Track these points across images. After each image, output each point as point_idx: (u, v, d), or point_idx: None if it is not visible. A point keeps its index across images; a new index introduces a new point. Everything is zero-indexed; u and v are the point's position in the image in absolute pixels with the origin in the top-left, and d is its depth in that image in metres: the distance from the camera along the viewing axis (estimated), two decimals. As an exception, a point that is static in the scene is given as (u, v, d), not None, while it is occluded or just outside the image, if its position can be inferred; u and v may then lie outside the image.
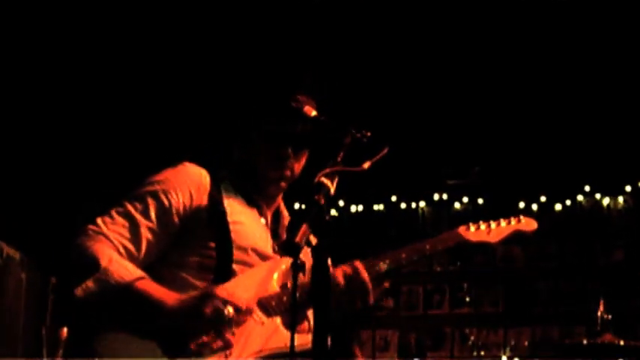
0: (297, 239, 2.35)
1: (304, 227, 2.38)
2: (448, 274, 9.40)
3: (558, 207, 9.25)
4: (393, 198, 9.60)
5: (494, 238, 3.50)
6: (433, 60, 7.77)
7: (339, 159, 2.82)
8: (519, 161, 8.92)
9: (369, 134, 2.98)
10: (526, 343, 9.05)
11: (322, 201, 2.49)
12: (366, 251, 9.51)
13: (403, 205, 9.61)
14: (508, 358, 9.03)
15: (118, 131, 7.98)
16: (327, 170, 2.68)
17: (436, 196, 9.56)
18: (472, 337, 9.26)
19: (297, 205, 3.43)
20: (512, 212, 8.80)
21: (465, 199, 9.50)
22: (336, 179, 2.69)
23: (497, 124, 8.48)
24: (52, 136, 7.90)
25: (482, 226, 3.51)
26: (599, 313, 5.95)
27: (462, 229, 3.49)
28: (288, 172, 3.30)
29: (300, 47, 7.31)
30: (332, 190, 2.59)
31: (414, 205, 9.63)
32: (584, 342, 5.72)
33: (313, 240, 2.41)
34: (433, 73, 7.89)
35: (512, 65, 7.81)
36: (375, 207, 9.66)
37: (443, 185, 9.55)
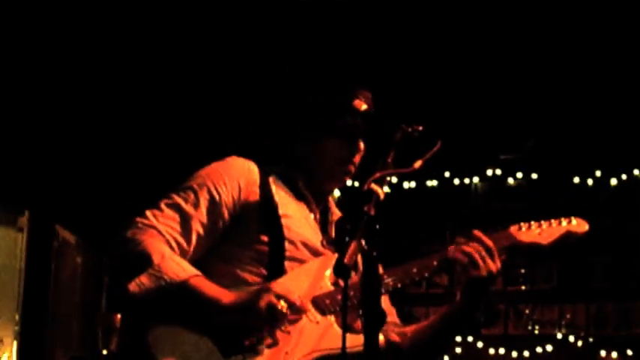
0: (347, 260, 2.31)
1: (354, 245, 2.34)
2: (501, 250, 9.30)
3: (614, 181, 9.12)
4: (447, 174, 9.53)
5: (545, 239, 3.38)
6: (483, 34, 7.69)
7: (389, 160, 2.78)
8: (574, 135, 8.81)
9: (420, 128, 2.94)
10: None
11: (372, 211, 2.44)
12: (419, 228, 9.47)
13: (456, 181, 9.54)
14: (563, 334, 8.97)
15: (171, 119, 8.01)
16: (377, 175, 2.63)
17: (489, 172, 9.48)
18: (526, 313, 9.20)
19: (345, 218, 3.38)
20: (567, 187, 8.85)
21: (519, 174, 9.40)
22: (386, 183, 2.65)
23: (551, 98, 8.38)
24: (106, 119, 7.93)
25: (534, 227, 3.40)
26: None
27: (513, 229, 3.38)
28: (353, 168, 3.28)
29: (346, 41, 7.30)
30: (382, 196, 2.55)
31: (467, 180, 9.55)
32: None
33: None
34: (485, 47, 7.81)
35: (566, 38, 7.71)
36: (429, 183, 9.60)
37: (496, 160, 9.47)
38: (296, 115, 3.34)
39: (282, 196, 3.22)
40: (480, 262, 3.19)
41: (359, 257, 2.39)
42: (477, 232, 3.25)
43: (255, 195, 3.16)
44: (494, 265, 3.21)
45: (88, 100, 7.80)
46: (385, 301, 3.42)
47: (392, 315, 3.45)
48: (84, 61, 7.49)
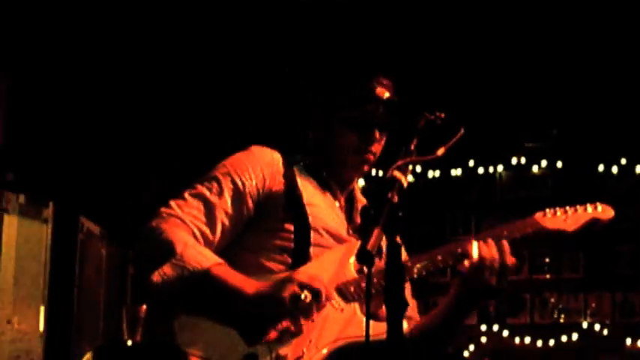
0: (370, 246, 2.30)
1: (377, 232, 2.33)
2: (527, 239, 9.27)
3: (639, 169, 9.08)
4: (471, 162, 9.51)
5: (571, 226, 3.33)
6: (507, 22, 7.66)
7: (412, 147, 2.76)
8: (598, 123, 8.77)
9: (443, 115, 2.91)
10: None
11: (395, 198, 2.44)
12: (444, 217, 9.47)
13: (481, 170, 9.52)
14: (589, 323, 8.93)
15: (190, 110, 8.03)
16: (400, 162, 2.61)
17: (514, 160, 9.45)
18: (552, 302, 9.17)
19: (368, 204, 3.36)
20: (592, 175, 8.81)
21: (544, 163, 9.38)
22: (410, 170, 2.63)
23: (576, 86, 8.35)
24: (130, 112, 7.97)
25: (559, 213, 3.36)
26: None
27: (538, 216, 3.33)
28: (372, 157, 3.26)
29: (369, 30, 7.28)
30: (405, 184, 2.54)
31: (491, 169, 9.53)
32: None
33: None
34: (509, 35, 7.78)
35: (592, 26, 7.67)
36: (453, 172, 9.58)
37: (521, 148, 9.44)
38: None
39: (306, 185, 3.21)
40: (486, 273, 3.15)
41: (383, 244, 2.38)
42: (506, 244, 3.21)
43: (279, 184, 3.15)
44: (498, 284, 3.16)
45: (112, 95, 7.83)
46: (407, 293, 3.40)
47: (412, 308, 3.43)
48: (104, 58, 7.55)
